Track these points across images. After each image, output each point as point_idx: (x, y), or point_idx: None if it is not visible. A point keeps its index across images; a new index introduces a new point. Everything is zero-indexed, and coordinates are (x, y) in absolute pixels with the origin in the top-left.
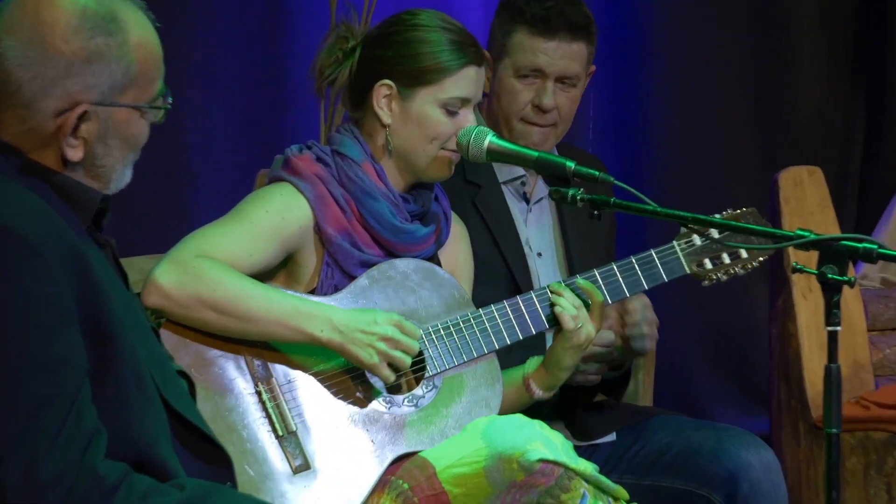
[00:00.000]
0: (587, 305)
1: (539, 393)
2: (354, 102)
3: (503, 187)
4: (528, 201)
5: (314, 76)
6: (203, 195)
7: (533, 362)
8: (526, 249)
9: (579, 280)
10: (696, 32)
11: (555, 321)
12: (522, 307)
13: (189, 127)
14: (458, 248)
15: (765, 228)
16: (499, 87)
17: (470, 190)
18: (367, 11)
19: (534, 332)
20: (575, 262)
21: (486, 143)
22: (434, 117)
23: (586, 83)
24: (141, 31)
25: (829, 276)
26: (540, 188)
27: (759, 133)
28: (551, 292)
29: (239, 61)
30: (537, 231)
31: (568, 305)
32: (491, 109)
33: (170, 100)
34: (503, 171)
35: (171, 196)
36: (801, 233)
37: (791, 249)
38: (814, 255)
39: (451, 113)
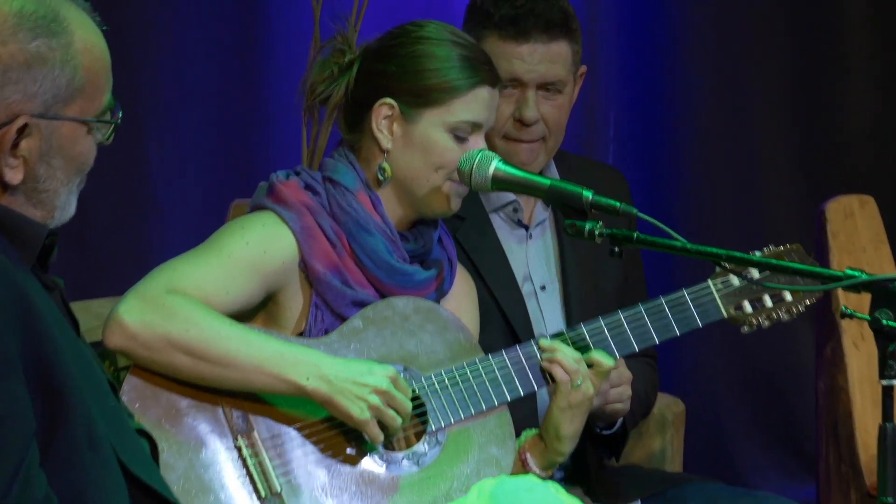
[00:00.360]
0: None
1: (537, 471)
2: (350, 123)
3: (493, 216)
4: (526, 227)
5: (305, 93)
6: (168, 229)
7: (529, 432)
8: (525, 285)
9: (583, 330)
10: (731, 39)
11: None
12: (522, 358)
13: (152, 150)
14: (463, 302)
15: (810, 267)
16: None
17: (451, 223)
18: (354, 17)
19: (535, 389)
20: (573, 298)
21: (492, 169)
22: (440, 143)
23: (577, 88)
24: (87, 34)
25: (884, 322)
26: (539, 211)
27: (804, 156)
28: (541, 349)
29: (209, 76)
30: (541, 261)
31: (565, 357)
32: None
33: (119, 114)
34: (490, 198)
35: (130, 229)
36: (852, 272)
37: (840, 291)
38: (866, 298)
39: (460, 139)
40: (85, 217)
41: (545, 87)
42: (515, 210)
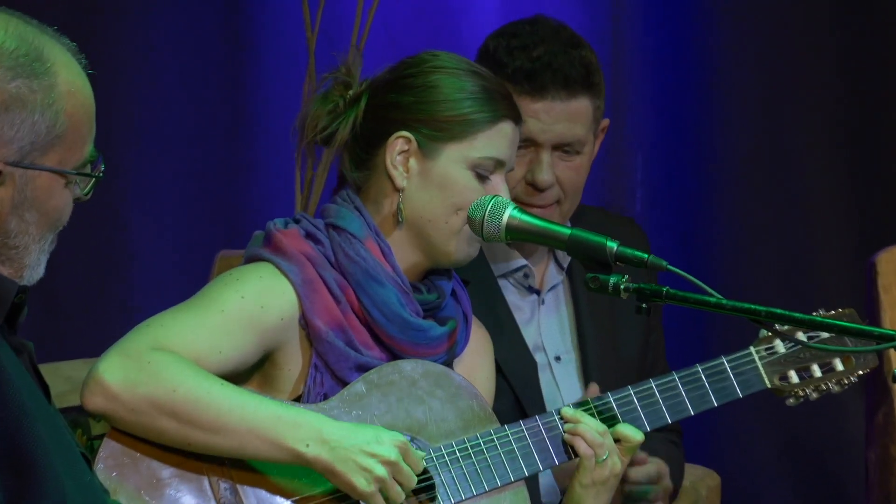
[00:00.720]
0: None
1: None
2: (357, 162)
3: (501, 281)
4: (538, 292)
5: (302, 131)
6: (145, 284)
7: None
8: (538, 356)
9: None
10: (774, 73)
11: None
12: (542, 429)
13: (129, 197)
14: (478, 360)
15: (862, 326)
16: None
17: None
18: (354, 50)
19: (556, 463)
20: (592, 369)
21: (506, 217)
22: (461, 181)
23: (598, 143)
24: (72, 77)
25: None
26: (552, 274)
27: (854, 202)
28: (563, 420)
29: (191, 116)
30: (554, 329)
31: (589, 430)
32: None
33: (101, 168)
34: (499, 262)
35: (103, 285)
36: None
37: (893, 353)
38: None
39: (482, 178)
40: (54, 271)
41: (562, 147)
42: (526, 276)
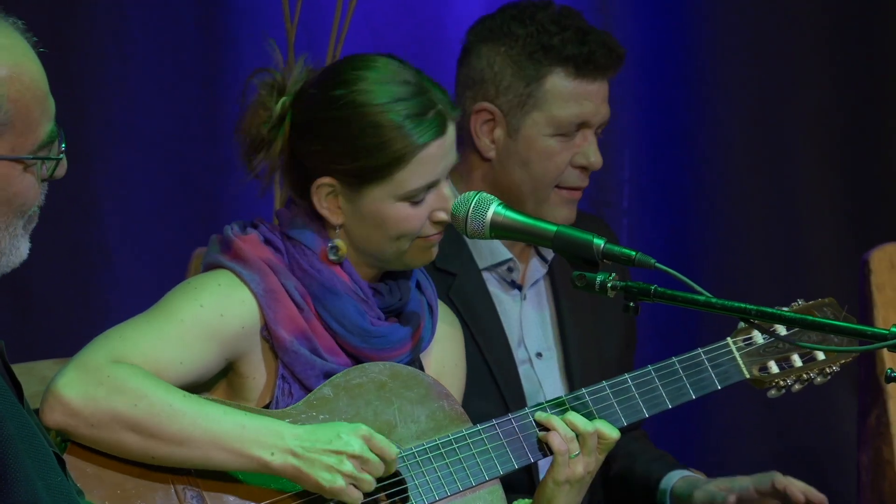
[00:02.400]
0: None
1: None
2: (296, 191)
3: (486, 274)
4: (520, 287)
5: (239, 140)
6: (121, 282)
7: (522, 502)
8: (519, 351)
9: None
10: (766, 69)
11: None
12: (515, 426)
13: (104, 194)
14: (446, 348)
15: (850, 325)
16: (527, 150)
17: (443, 280)
18: (334, 42)
19: (531, 461)
20: (574, 366)
21: (490, 214)
22: (393, 215)
23: None
24: (16, 59)
25: None
26: (534, 269)
27: (847, 200)
28: (536, 417)
29: (168, 110)
30: (536, 325)
31: (563, 426)
32: (508, 177)
33: (63, 147)
34: (483, 255)
35: (79, 284)
36: None
37: (885, 352)
38: None
39: (417, 202)
40: (27, 270)
41: (598, 130)
42: (510, 269)
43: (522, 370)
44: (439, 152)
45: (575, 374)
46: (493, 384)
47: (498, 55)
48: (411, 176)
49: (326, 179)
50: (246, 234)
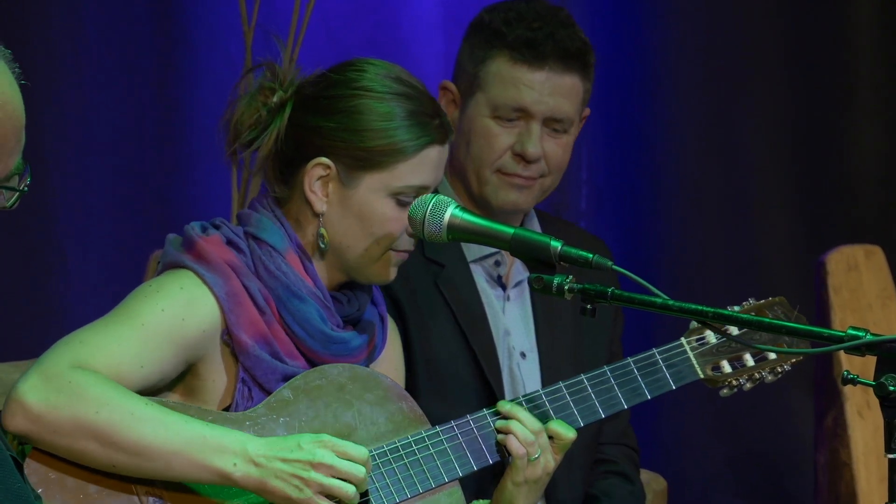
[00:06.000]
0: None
1: None
2: (279, 177)
3: (473, 266)
4: (504, 287)
5: (226, 134)
6: (76, 284)
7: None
8: (503, 347)
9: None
10: (721, 70)
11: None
12: (474, 428)
13: (59, 196)
14: (391, 353)
15: (806, 327)
16: (469, 129)
17: (431, 269)
18: (291, 43)
19: (490, 462)
20: (552, 370)
21: (447, 217)
22: (380, 210)
23: (579, 130)
24: (2, 88)
25: (891, 388)
26: (518, 269)
27: (803, 202)
28: (495, 423)
29: (122, 111)
30: (520, 325)
31: (521, 428)
32: (456, 157)
33: (28, 180)
34: (471, 247)
35: (36, 286)
36: (855, 332)
37: (842, 354)
38: (871, 362)
39: (403, 204)
40: None
41: (552, 122)
42: (497, 264)
43: (508, 368)
44: (438, 158)
45: (550, 380)
46: (476, 373)
47: (466, 41)
48: (411, 171)
49: (324, 160)
50: (208, 234)
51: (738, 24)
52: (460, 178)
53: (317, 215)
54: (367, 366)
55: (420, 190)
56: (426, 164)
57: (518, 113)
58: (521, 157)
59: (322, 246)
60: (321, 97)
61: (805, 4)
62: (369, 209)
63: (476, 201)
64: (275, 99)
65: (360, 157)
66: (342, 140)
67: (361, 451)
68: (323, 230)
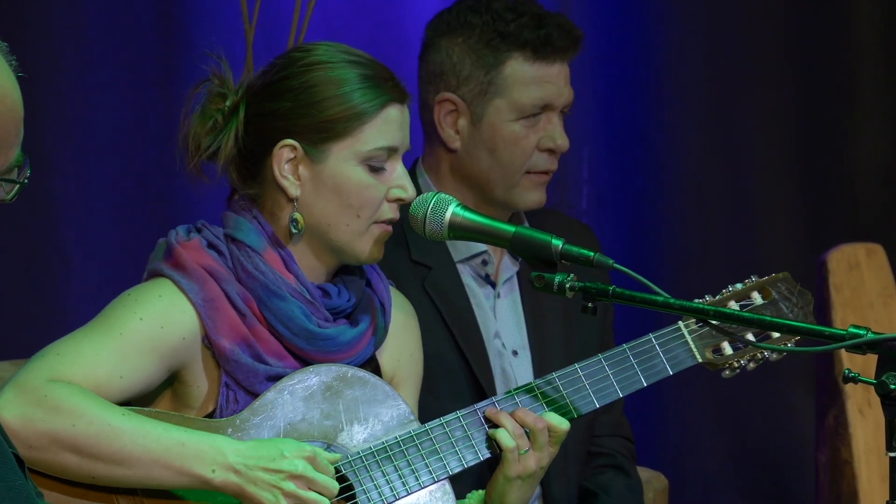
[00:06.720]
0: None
1: None
2: (246, 176)
3: (460, 267)
4: (493, 285)
5: (185, 151)
6: (78, 283)
7: (474, 497)
8: (495, 346)
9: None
10: (724, 70)
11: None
12: (464, 425)
13: (60, 196)
14: (401, 338)
15: (808, 325)
16: (491, 136)
17: (419, 272)
18: (292, 44)
19: (481, 459)
20: (546, 365)
21: (449, 214)
22: (354, 179)
23: None
24: (1, 80)
25: (892, 386)
26: (507, 265)
27: (805, 200)
28: (485, 414)
29: (125, 110)
30: (511, 322)
31: (510, 421)
32: (474, 165)
33: (28, 173)
34: (458, 248)
35: (37, 285)
36: (856, 331)
37: (843, 353)
38: (872, 360)
39: (376, 170)
40: None
41: (564, 109)
42: (485, 262)
43: (500, 366)
44: (399, 118)
45: (547, 370)
46: (468, 375)
47: (456, 46)
48: (376, 133)
49: (289, 142)
50: (189, 239)
51: (740, 23)
52: (476, 185)
53: (291, 201)
54: (372, 353)
55: (389, 151)
56: (389, 123)
57: (541, 110)
58: (551, 151)
59: (294, 231)
60: (272, 83)
61: (807, 4)
62: (343, 180)
63: (494, 205)
64: (227, 103)
65: (322, 130)
66: (301, 116)
67: (331, 468)
68: (297, 215)
